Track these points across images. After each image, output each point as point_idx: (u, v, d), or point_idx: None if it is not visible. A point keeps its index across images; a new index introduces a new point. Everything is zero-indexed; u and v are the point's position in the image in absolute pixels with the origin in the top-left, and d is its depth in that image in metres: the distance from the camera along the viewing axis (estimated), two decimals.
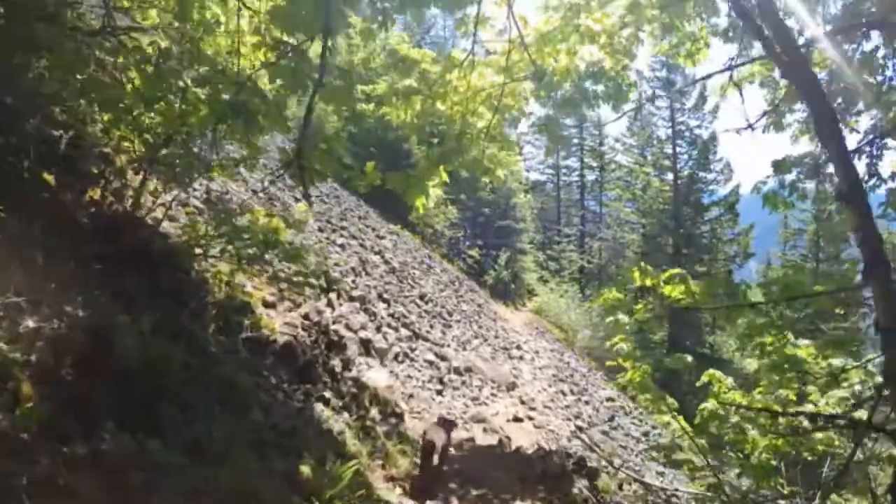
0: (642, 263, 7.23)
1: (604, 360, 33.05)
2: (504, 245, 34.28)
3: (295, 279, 7.64)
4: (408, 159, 30.26)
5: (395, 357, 12.41)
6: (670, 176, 43.28)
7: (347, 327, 11.07)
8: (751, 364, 9.34)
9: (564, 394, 18.04)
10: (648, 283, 7.10)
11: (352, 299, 12.71)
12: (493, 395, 14.62)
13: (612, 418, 19.64)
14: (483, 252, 32.71)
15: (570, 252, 45.72)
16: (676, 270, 6.53)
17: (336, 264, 14.00)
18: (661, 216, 42.45)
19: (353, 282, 13.82)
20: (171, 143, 6.99)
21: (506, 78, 7.45)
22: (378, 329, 12.69)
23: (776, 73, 11.46)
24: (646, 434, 20.97)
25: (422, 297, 18.40)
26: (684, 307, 6.84)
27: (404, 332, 14.03)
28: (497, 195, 35.02)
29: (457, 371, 14.42)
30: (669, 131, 43.74)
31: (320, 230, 16.27)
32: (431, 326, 16.39)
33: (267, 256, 7.27)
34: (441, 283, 23.07)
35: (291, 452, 5.58)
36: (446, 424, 9.39)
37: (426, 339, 14.88)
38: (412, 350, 13.51)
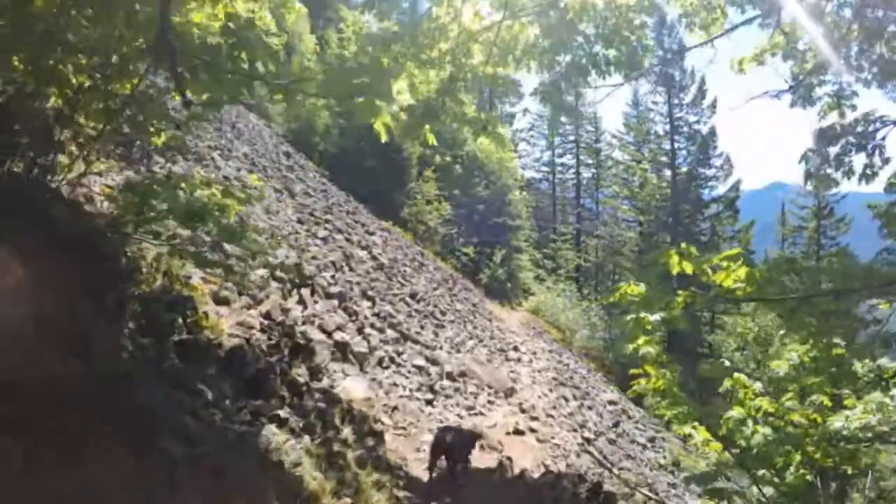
0: (676, 250, 5.72)
1: (602, 360, 31.68)
2: (499, 243, 32.69)
3: (232, 264, 5.92)
4: (399, 153, 28.78)
5: (379, 362, 10.75)
6: (668, 172, 41.83)
7: (321, 328, 9.45)
8: (778, 366, 7.82)
9: (567, 399, 16.44)
10: (689, 270, 5.54)
11: (329, 296, 11.06)
12: (489, 402, 13.00)
13: (616, 424, 18.08)
14: (478, 250, 31.12)
15: (566, 250, 44.08)
16: (736, 251, 4.96)
17: (314, 257, 12.37)
18: (659, 213, 40.94)
19: (333, 277, 12.17)
20: (90, 96, 5.51)
21: (506, 15, 5.86)
22: (359, 330, 11.02)
23: (801, 44, 10.12)
24: (652, 440, 19.46)
25: (412, 296, 16.81)
26: (738, 299, 5.32)
27: (391, 333, 12.39)
28: (492, 191, 33.45)
29: (450, 376, 12.80)
30: (667, 127, 42.22)
31: (300, 222, 14.67)
32: (422, 327, 14.78)
33: (209, 239, 5.64)
34: (434, 281, 21.50)
35: (215, 499, 3.99)
36: (468, 436, 8.52)
37: (416, 342, 13.25)
38: (399, 354, 11.87)
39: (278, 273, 9.60)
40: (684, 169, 41.23)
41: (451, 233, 30.46)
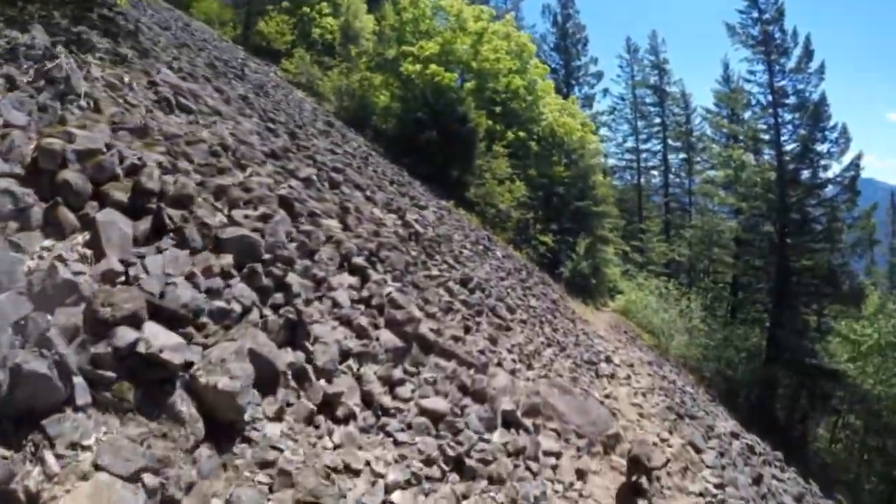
0: None
1: (701, 370, 24.15)
2: (582, 231, 25.65)
3: None
4: (464, 124, 22.39)
5: (326, 409, 4.22)
6: (772, 151, 32.85)
7: (109, 344, 3.08)
8: None
9: (698, 449, 9.42)
10: None
11: (218, 248, 4.67)
12: (581, 477, 6.30)
13: (759, 480, 10.91)
14: (557, 239, 24.23)
15: (656, 242, 36.00)
16: None
17: (244, 186, 6.00)
18: (764, 198, 31.94)
19: (264, 219, 5.59)
20: None
21: None
22: (289, 343, 4.39)
23: None
24: (800, 499, 12.08)
25: (464, 282, 10.37)
26: None
27: (388, 338, 5.79)
28: (573, 172, 26.41)
29: (508, 421, 6.26)
30: (769, 98, 33.03)
31: (273, 155, 8.48)
32: (468, 329, 8.24)
33: None
34: (502, 269, 15.01)
35: None
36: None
37: (449, 354, 6.67)
38: (394, 385, 5.34)
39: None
40: (790, 147, 32.11)
41: (527, 217, 23.72)
